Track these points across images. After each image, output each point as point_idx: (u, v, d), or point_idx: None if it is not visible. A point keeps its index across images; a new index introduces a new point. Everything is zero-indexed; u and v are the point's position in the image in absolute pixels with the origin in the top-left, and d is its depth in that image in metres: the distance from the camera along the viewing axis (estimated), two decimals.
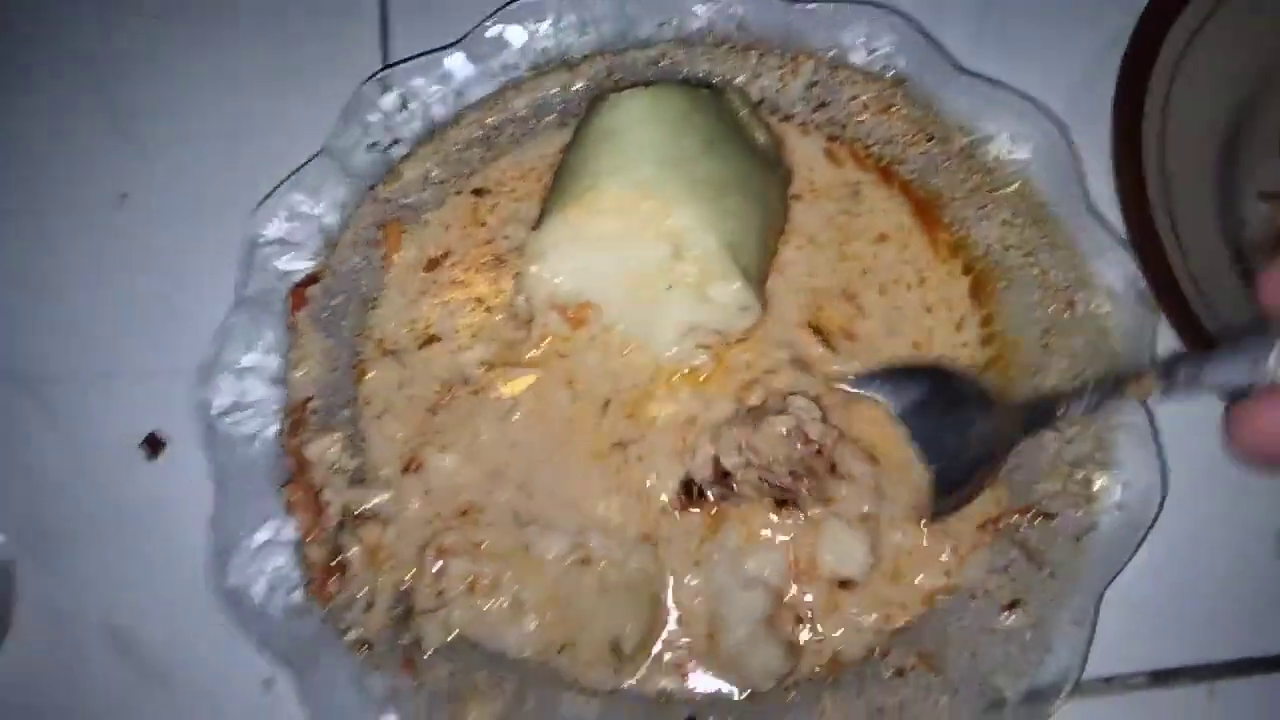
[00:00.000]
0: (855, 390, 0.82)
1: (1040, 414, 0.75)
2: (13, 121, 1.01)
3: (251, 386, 0.83)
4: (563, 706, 0.76)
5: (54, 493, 0.90)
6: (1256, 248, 0.87)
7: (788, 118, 0.91)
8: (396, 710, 0.74)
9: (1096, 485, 0.78)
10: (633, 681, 0.78)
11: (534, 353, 0.85)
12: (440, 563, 0.80)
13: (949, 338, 0.86)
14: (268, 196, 0.86)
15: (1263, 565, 0.83)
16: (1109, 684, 0.81)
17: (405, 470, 0.83)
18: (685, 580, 0.79)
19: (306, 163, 0.88)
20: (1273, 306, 0.57)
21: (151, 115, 1.00)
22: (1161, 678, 0.82)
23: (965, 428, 0.80)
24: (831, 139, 0.91)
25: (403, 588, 0.80)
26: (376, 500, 0.82)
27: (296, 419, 0.82)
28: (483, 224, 0.90)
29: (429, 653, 0.77)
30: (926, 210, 0.89)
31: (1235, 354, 0.58)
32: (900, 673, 0.75)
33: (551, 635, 0.79)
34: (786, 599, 0.78)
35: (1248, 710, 0.81)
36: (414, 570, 0.80)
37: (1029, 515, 0.78)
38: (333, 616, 0.77)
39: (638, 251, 0.78)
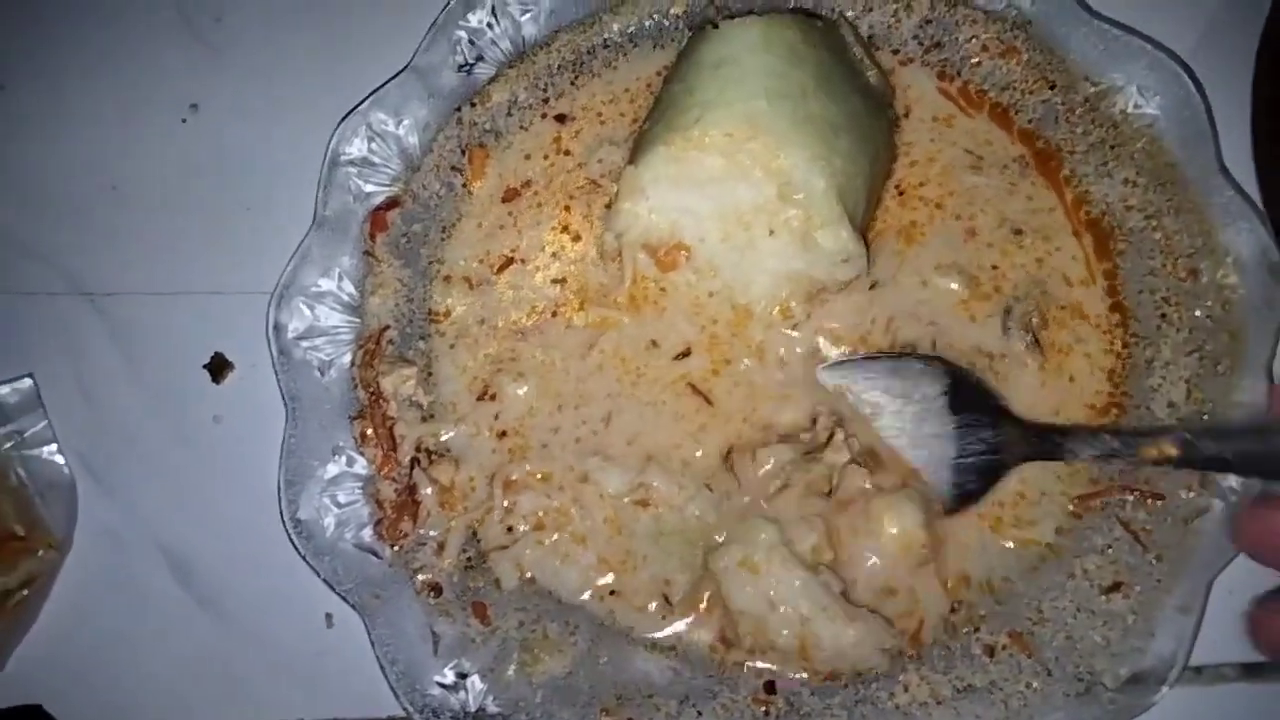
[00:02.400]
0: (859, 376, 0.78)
1: (1049, 445, 0.73)
2: (78, 17, 0.97)
3: (326, 312, 0.80)
4: (634, 663, 0.74)
5: (116, 413, 0.89)
6: None
7: (898, 56, 0.86)
8: (467, 657, 0.72)
9: None
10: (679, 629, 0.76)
11: (618, 296, 0.81)
12: (508, 499, 0.78)
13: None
14: (350, 113, 0.82)
15: None
16: (1199, 674, 0.78)
17: (480, 398, 0.81)
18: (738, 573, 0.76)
19: (389, 80, 0.83)
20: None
21: (227, 21, 0.96)
22: (1253, 671, 0.78)
23: (977, 430, 0.76)
24: (943, 77, 0.85)
25: (473, 529, 0.78)
26: (449, 435, 0.80)
27: (371, 349, 0.79)
28: (566, 152, 0.86)
29: (507, 591, 0.76)
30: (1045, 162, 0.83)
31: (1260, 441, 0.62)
32: (990, 651, 0.72)
33: (605, 576, 0.77)
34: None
35: None
36: (486, 508, 0.78)
37: (1137, 494, 0.74)
38: (403, 558, 0.75)
39: (741, 191, 0.74)
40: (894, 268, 0.81)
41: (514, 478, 0.79)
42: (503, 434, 0.81)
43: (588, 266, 0.83)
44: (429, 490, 0.76)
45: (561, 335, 0.82)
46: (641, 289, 0.81)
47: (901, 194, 0.83)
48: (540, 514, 0.78)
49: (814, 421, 0.79)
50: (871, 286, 0.80)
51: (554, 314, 0.82)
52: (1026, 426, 0.76)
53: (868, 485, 0.76)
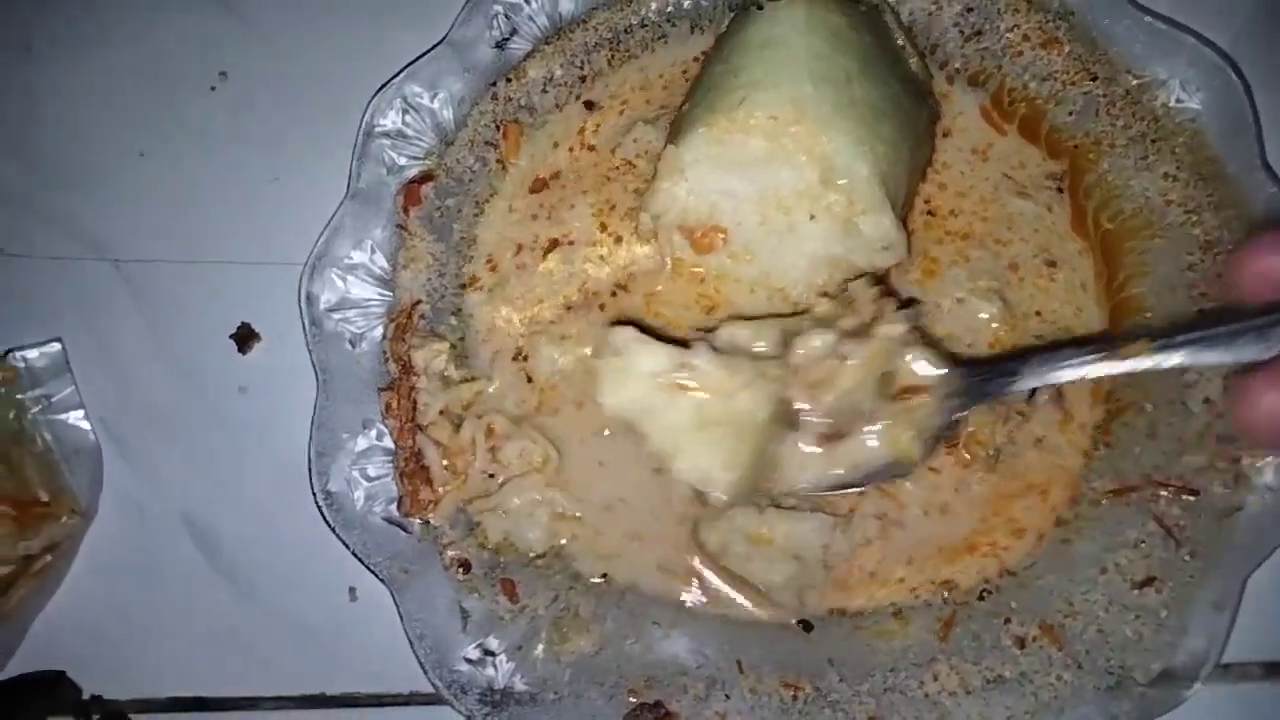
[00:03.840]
0: None
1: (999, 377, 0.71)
2: None
3: (358, 284, 0.80)
4: (662, 645, 0.73)
5: (141, 381, 0.88)
6: None
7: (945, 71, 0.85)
8: (496, 635, 0.72)
9: (1247, 464, 0.73)
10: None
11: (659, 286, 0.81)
12: (490, 445, 0.78)
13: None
14: (385, 85, 0.81)
15: None
16: (1225, 671, 0.77)
17: (515, 358, 0.81)
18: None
19: (425, 53, 0.82)
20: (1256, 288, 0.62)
21: None
22: (1277, 670, 0.78)
23: None
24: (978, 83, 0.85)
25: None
26: (469, 397, 0.79)
27: (403, 323, 0.79)
28: (590, 147, 0.85)
29: (532, 562, 0.76)
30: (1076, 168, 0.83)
31: (1240, 330, 0.60)
32: (1021, 643, 0.72)
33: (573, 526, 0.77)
34: None
35: None
36: (462, 456, 0.77)
37: (1171, 489, 0.74)
38: (431, 532, 0.74)
39: (782, 175, 0.73)
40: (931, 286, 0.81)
41: (496, 425, 0.78)
42: (529, 380, 0.80)
43: (619, 253, 0.83)
44: (434, 452, 0.75)
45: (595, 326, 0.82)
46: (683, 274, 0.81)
47: (931, 214, 0.83)
48: (522, 459, 0.78)
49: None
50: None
51: (595, 300, 0.82)
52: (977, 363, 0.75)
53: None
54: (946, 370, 0.71)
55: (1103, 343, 0.68)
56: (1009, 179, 0.84)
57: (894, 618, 0.75)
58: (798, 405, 0.71)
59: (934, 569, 0.76)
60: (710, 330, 0.73)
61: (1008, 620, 0.73)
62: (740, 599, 0.75)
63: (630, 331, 0.70)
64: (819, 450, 0.71)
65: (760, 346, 0.71)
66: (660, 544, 0.77)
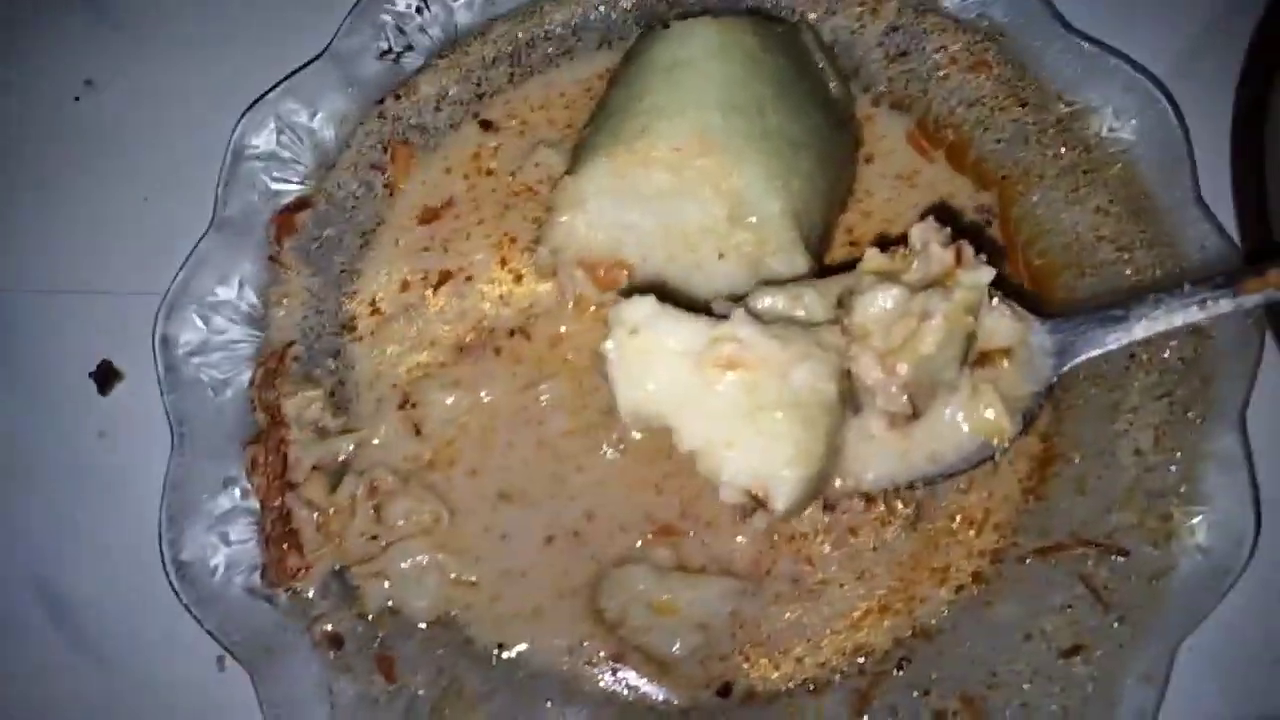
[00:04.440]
0: None
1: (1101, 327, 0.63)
2: None
3: (223, 325, 0.73)
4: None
5: None
6: None
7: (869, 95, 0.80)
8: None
9: (1178, 522, 0.69)
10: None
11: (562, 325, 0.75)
12: (374, 505, 0.71)
13: None
14: (257, 101, 0.74)
15: None
16: None
17: (400, 407, 0.74)
18: None
19: (305, 65, 0.75)
20: None
21: None
22: None
23: None
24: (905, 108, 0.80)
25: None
26: (348, 449, 0.72)
27: (273, 367, 0.72)
28: (488, 172, 0.79)
29: (416, 634, 0.69)
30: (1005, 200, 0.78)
31: None
32: (941, 718, 0.67)
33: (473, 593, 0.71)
34: None
35: None
36: (339, 516, 0.70)
37: (1099, 549, 0.69)
38: (299, 605, 0.68)
39: (688, 211, 0.68)
40: None
41: (379, 481, 0.71)
42: (418, 432, 0.74)
43: (519, 291, 0.77)
44: (305, 513, 0.69)
45: (498, 366, 0.75)
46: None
47: (854, 244, 0.77)
48: (410, 519, 0.71)
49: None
50: None
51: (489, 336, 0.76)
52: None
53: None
54: (1039, 325, 0.62)
55: (1220, 278, 0.61)
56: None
57: (807, 693, 0.69)
58: (866, 380, 0.58)
59: (849, 635, 0.71)
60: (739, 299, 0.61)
61: (927, 692, 0.68)
62: (639, 676, 0.69)
63: (649, 302, 0.56)
64: (890, 435, 0.60)
65: (805, 311, 0.59)
66: (558, 615, 0.71)
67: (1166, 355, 0.72)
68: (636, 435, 0.73)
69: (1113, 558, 0.69)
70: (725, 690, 0.69)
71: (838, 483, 0.61)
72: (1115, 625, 0.67)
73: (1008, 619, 0.69)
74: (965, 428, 0.60)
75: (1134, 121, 0.76)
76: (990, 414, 0.60)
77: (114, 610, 0.76)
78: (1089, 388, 0.73)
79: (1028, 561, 0.71)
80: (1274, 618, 0.73)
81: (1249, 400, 0.70)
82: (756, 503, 0.55)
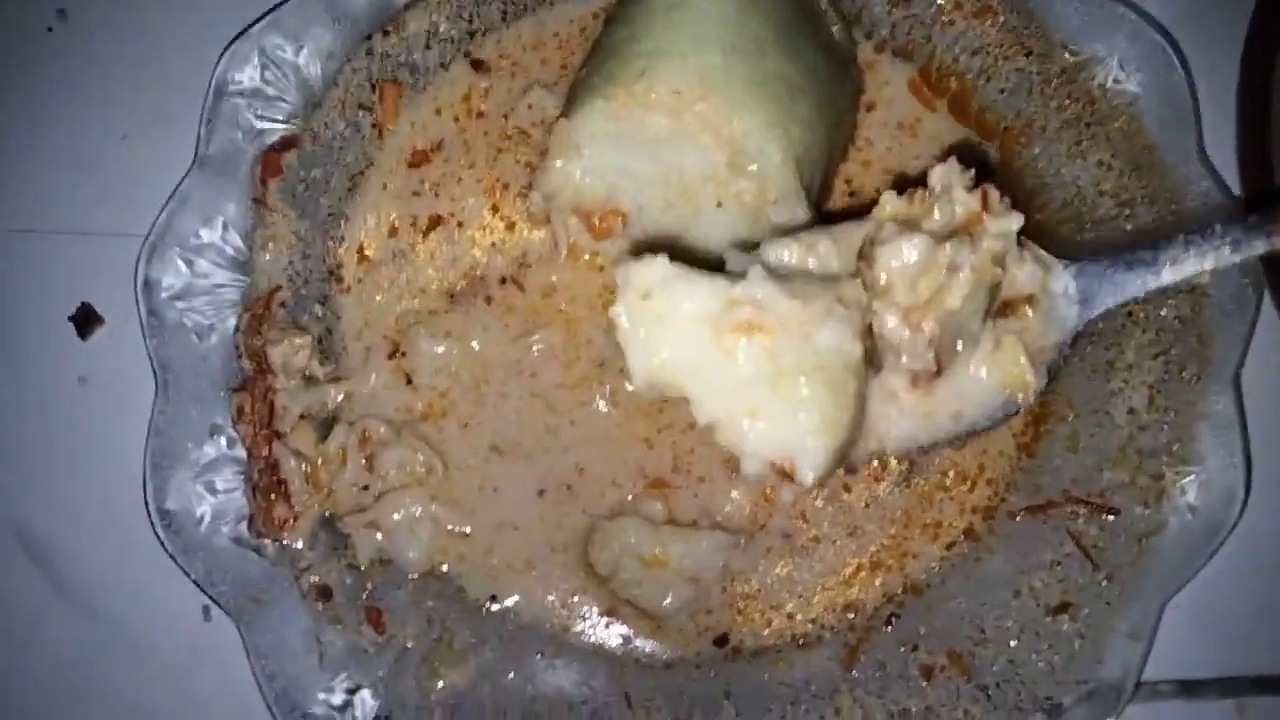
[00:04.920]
0: None
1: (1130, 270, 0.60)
2: None
3: (207, 268, 0.71)
4: (545, 676, 0.68)
5: None
6: None
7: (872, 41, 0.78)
8: (358, 670, 0.65)
9: (1169, 481, 0.69)
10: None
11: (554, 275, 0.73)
12: (365, 454, 0.70)
13: None
14: (240, 35, 0.72)
15: None
16: (1136, 690, 0.74)
17: (389, 357, 0.73)
18: None
19: None
20: None
21: None
22: (1190, 689, 0.76)
23: None
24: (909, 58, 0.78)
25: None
26: (336, 398, 0.71)
27: (259, 312, 0.70)
28: (479, 114, 0.77)
29: (406, 585, 0.69)
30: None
31: None
32: (928, 673, 0.68)
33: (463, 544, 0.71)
34: None
35: None
36: (328, 467, 0.70)
37: (1089, 507, 0.70)
38: (287, 555, 0.67)
39: (687, 157, 0.66)
40: None
41: (371, 431, 0.71)
42: (409, 382, 0.73)
43: (513, 238, 0.75)
44: (293, 463, 0.68)
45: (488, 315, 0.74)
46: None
47: (853, 195, 0.76)
48: (403, 470, 0.71)
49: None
50: None
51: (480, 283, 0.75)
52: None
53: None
54: (1063, 270, 0.59)
55: (1254, 219, 0.58)
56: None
57: (796, 648, 0.70)
58: (889, 338, 0.56)
59: (840, 591, 0.71)
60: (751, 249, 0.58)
61: (915, 648, 0.69)
62: (629, 627, 0.69)
63: (661, 263, 0.53)
64: (913, 394, 0.57)
65: (820, 263, 0.56)
66: (550, 569, 0.71)
67: (1164, 314, 0.72)
68: (629, 388, 0.72)
69: (1103, 516, 0.69)
70: (722, 640, 0.70)
71: (859, 446, 0.58)
72: (1104, 583, 0.68)
73: (997, 575, 0.70)
74: (990, 384, 0.58)
75: (1140, 74, 0.74)
76: (1015, 368, 0.58)
77: (98, 559, 0.75)
78: (1085, 345, 0.73)
79: (1019, 518, 0.71)
80: (1260, 578, 0.74)
81: (1244, 361, 0.70)
82: (782, 475, 0.53)
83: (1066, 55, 0.75)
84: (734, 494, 0.71)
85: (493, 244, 0.75)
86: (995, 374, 0.58)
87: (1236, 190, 0.73)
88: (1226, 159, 0.75)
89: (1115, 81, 0.75)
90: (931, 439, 0.59)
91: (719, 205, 0.67)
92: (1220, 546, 0.68)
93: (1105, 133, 0.74)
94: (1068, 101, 0.75)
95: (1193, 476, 0.69)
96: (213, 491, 0.68)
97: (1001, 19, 0.76)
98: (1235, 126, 0.74)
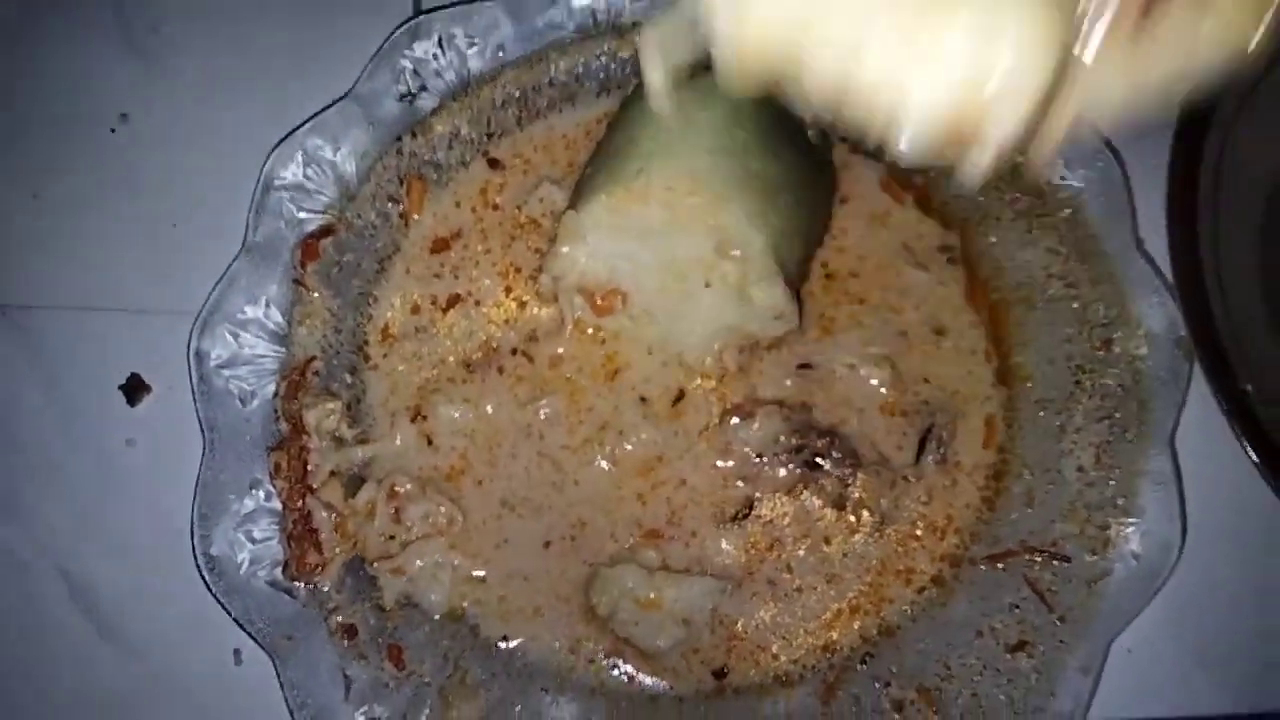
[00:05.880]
0: None
1: None
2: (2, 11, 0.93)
3: (251, 341, 0.78)
4: (550, 711, 0.73)
5: (23, 430, 0.85)
6: None
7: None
8: (380, 703, 0.71)
9: (1114, 532, 0.76)
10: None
11: (561, 347, 0.81)
12: (393, 507, 0.77)
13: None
14: (287, 136, 0.80)
15: (1265, 627, 0.82)
16: None
17: (412, 420, 0.80)
18: None
19: (329, 106, 0.82)
20: None
21: (166, 31, 0.92)
22: None
23: None
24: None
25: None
26: (364, 458, 0.79)
27: (296, 380, 0.78)
28: (494, 206, 0.86)
29: (426, 625, 0.75)
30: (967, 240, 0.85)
31: None
32: (899, 707, 0.74)
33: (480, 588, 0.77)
34: None
35: None
36: (355, 518, 0.77)
37: (1044, 555, 0.77)
38: (317, 598, 0.73)
39: (679, 244, 0.74)
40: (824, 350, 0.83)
41: (399, 486, 0.78)
42: (430, 443, 0.80)
43: (523, 316, 0.83)
44: (324, 515, 0.75)
45: (500, 384, 0.82)
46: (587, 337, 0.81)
47: (829, 277, 0.85)
48: (426, 521, 0.78)
49: None
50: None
51: (494, 354, 0.82)
52: None
53: None
54: None
55: None
56: (907, 249, 0.86)
57: (779, 685, 0.76)
58: None
59: (821, 634, 0.77)
60: None
61: (888, 684, 0.75)
62: (628, 665, 0.76)
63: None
64: (1116, 50, 0.43)
65: None
66: (556, 616, 0.77)
67: (1108, 382, 0.80)
68: (629, 447, 0.80)
69: (1056, 563, 0.76)
70: (720, 673, 0.76)
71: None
72: (1057, 623, 0.74)
73: (961, 618, 0.76)
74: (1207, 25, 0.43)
75: (1082, 171, 0.83)
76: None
77: (137, 604, 0.81)
78: (1038, 410, 0.81)
79: (981, 567, 0.78)
80: (1197, 619, 0.81)
81: (1179, 423, 0.78)
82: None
83: (1017, 155, 0.85)
84: (724, 544, 0.79)
85: (506, 320, 0.83)
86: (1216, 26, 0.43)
87: (1166, 269, 0.82)
88: (1158, 240, 0.83)
89: (1060, 178, 0.83)
90: (1143, 103, 0.45)
91: (707, 285, 0.75)
92: (1159, 590, 0.74)
93: (1052, 223, 0.83)
94: (1019, 195, 0.84)
95: (1135, 527, 0.75)
96: (251, 540, 0.75)
97: None
98: (1165, 216, 0.83)
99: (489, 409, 0.81)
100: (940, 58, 0.41)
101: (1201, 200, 0.80)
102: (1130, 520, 0.76)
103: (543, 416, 0.81)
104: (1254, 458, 0.72)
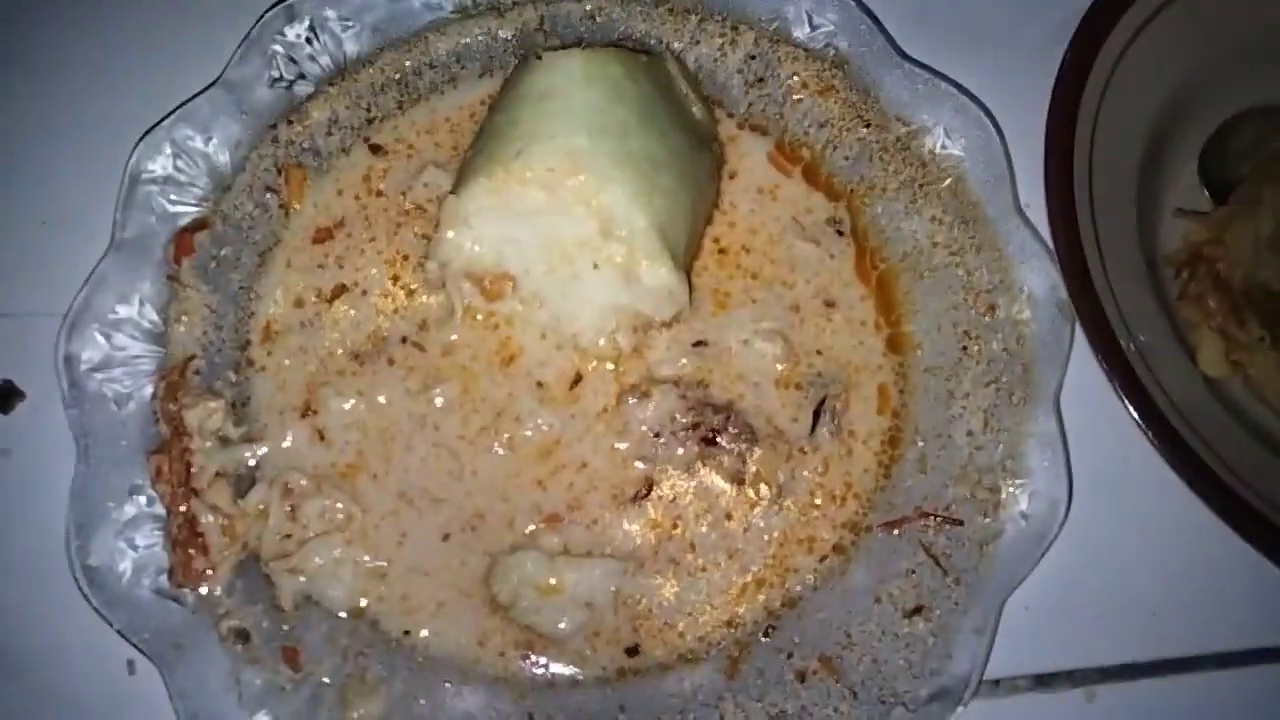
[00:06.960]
0: None
1: None
2: None
3: (124, 341, 0.76)
4: (454, 704, 0.73)
5: None
6: (1169, 263, 0.88)
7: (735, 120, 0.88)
8: (276, 707, 0.69)
9: (1004, 493, 0.78)
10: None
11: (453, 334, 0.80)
12: (288, 505, 0.76)
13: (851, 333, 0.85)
14: (154, 128, 0.77)
15: (1152, 576, 0.85)
16: (996, 686, 0.82)
17: (302, 416, 0.78)
18: None
19: (199, 94, 0.79)
20: None
21: (21, 21, 0.88)
22: (1044, 680, 0.83)
23: None
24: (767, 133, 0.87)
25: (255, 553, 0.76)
26: (256, 457, 0.77)
27: (174, 380, 0.75)
28: (378, 193, 0.84)
29: (325, 622, 0.73)
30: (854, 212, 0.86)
31: None
32: (802, 677, 0.75)
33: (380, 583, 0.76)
34: None
35: (1126, 715, 0.83)
36: (244, 520, 0.75)
37: (937, 520, 0.78)
38: (207, 603, 0.71)
39: (563, 226, 0.74)
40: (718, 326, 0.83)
41: (293, 484, 0.76)
42: (323, 438, 0.78)
43: (414, 304, 0.82)
44: (210, 518, 0.72)
45: (391, 376, 0.80)
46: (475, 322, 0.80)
47: (723, 252, 0.85)
48: (323, 518, 0.76)
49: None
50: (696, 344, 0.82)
51: (384, 344, 0.81)
52: None
53: None
54: None
55: None
56: (796, 223, 0.86)
57: (684, 663, 0.76)
58: None
59: (726, 609, 0.78)
60: None
61: (790, 655, 0.75)
62: (532, 652, 0.75)
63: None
64: None
65: None
66: (460, 611, 0.76)
67: (994, 346, 0.81)
68: (527, 433, 0.79)
69: (949, 527, 0.77)
70: (634, 650, 0.76)
71: None
72: (952, 586, 0.75)
73: (860, 585, 0.77)
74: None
75: (963, 140, 0.84)
76: None
77: (21, 620, 0.78)
78: (929, 378, 0.82)
79: (878, 534, 0.79)
80: (1089, 573, 0.83)
81: (1062, 385, 0.80)
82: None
83: (900, 126, 0.85)
84: (625, 525, 0.78)
85: (394, 309, 0.81)
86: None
87: (1047, 237, 0.84)
88: (1038, 208, 0.85)
89: (942, 148, 0.84)
90: None
91: (595, 267, 0.75)
92: (1049, 549, 0.76)
93: (936, 192, 0.84)
94: (902, 166, 0.85)
95: (1023, 488, 0.77)
96: (134, 547, 0.72)
97: (843, 96, 0.86)
98: (1043, 181, 0.85)
99: (381, 401, 0.79)
100: None
101: (1078, 158, 0.82)
102: (1019, 481, 0.77)
103: (437, 406, 0.79)
104: (1134, 415, 0.74)
